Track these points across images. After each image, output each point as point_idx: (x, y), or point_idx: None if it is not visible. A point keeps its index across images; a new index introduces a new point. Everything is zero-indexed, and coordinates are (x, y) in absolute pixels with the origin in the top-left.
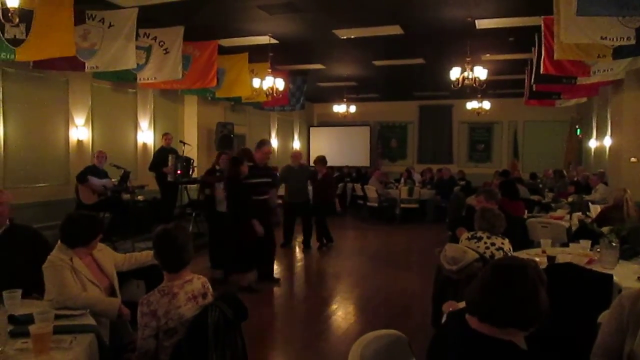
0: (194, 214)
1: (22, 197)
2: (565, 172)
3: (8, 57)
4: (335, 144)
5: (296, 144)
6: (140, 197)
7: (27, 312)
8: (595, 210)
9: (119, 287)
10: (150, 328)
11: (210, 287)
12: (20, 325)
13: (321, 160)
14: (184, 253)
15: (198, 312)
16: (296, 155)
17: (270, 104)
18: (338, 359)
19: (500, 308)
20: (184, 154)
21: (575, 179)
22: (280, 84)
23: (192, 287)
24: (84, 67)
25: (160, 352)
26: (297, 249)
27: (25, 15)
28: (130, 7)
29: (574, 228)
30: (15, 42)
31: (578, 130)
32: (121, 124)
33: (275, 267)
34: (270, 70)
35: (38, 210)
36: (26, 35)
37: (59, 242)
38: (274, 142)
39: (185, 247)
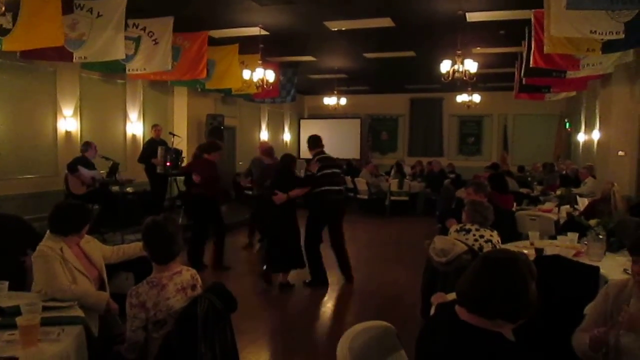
0: (183, 206)
1: (10, 189)
2: (556, 166)
3: None
4: (326, 137)
5: (287, 137)
6: (129, 189)
7: (15, 304)
8: (583, 203)
9: (108, 279)
10: (139, 319)
11: (199, 279)
12: (7, 317)
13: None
14: (173, 245)
15: (187, 304)
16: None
17: (260, 95)
18: (327, 351)
19: (489, 299)
20: (174, 146)
21: (564, 172)
22: (270, 75)
23: (182, 279)
24: (72, 58)
25: (150, 344)
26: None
27: (12, 4)
28: None
29: (562, 221)
30: (2, 32)
31: (567, 124)
32: (110, 115)
33: None
34: (260, 61)
35: (26, 202)
36: (13, 25)
37: (47, 232)
38: (265, 135)
39: (174, 239)
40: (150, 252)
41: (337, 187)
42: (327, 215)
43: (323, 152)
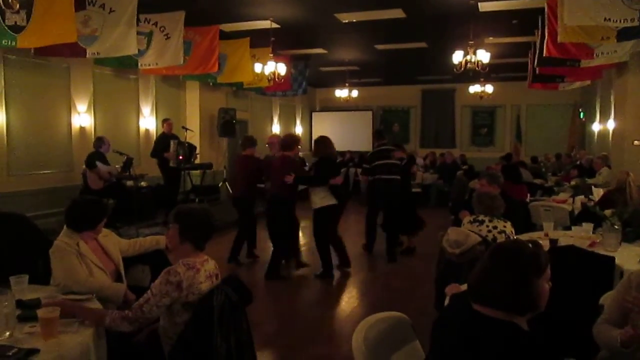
0: (197, 200)
1: (25, 185)
2: (572, 155)
3: (9, 44)
4: (338, 129)
5: (298, 129)
6: (143, 184)
7: (35, 297)
8: (598, 193)
9: (125, 272)
10: (169, 298)
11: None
12: (28, 310)
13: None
14: (212, 233)
15: (203, 296)
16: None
17: (272, 89)
18: (342, 341)
19: (487, 290)
20: (187, 140)
21: (578, 162)
22: (282, 68)
23: (209, 267)
24: (85, 54)
25: (169, 329)
26: (301, 234)
27: (25, 2)
28: None
29: (576, 211)
30: (16, 29)
31: (581, 114)
32: (123, 110)
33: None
34: (272, 55)
35: (42, 198)
36: (27, 22)
37: (64, 227)
38: (276, 128)
39: (213, 227)
40: (192, 235)
41: (385, 176)
42: (374, 200)
43: (380, 146)
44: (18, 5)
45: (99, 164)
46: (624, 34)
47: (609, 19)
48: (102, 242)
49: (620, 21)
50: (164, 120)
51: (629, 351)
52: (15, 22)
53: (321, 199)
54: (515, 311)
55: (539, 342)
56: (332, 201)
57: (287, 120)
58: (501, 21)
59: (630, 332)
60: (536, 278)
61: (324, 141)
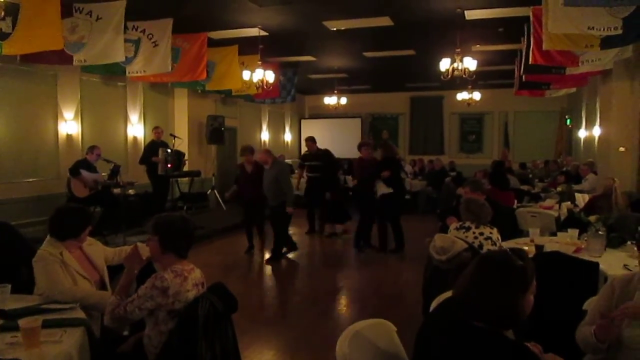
0: (185, 208)
1: (11, 192)
2: (559, 162)
3: None
4: (327, 136)
5: (287, 137)
6: (131, 191)
7: (17, 307)
8: (583, 199)
9: (110, 280)
10: (153, 302)
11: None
12: (9, 320)
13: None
14: (193, 240)
15: (188, 304)
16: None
17: (261, 96)
18: (328, 349)
19: (475, 304)
20: (175, 147)
21: (564, 168)
22: (270, 76)
23: (196, 275)
24: (72, 61)
25: (154, 338)
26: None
27: (11, 9)
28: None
29: (563, 217)
30: (2, 36)
31: (568, 120)
32: (111, 118)
33: (266, 256)
34: (260, 62)
35: (28, 205)
36: (12, 29)
37: (48, 236)
38: (265, 135)
39: (194, 235)
40: (176, 244)
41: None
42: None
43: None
44: (3, 13)
45: (83, 171)
46: (607, 42)
47: (593, 28)
48: (86, 251)
49: (603, 29)
50: (154, 128)
51: (605, 346)
52: (1, 29)
53: (379, 188)
54: (500, 326)
55: (525, 351)
56: (387, 190)
57: (276, 127)
58: (487, 29)
59: (602, 322)
60: (522, 295)
61: (389, 146)
